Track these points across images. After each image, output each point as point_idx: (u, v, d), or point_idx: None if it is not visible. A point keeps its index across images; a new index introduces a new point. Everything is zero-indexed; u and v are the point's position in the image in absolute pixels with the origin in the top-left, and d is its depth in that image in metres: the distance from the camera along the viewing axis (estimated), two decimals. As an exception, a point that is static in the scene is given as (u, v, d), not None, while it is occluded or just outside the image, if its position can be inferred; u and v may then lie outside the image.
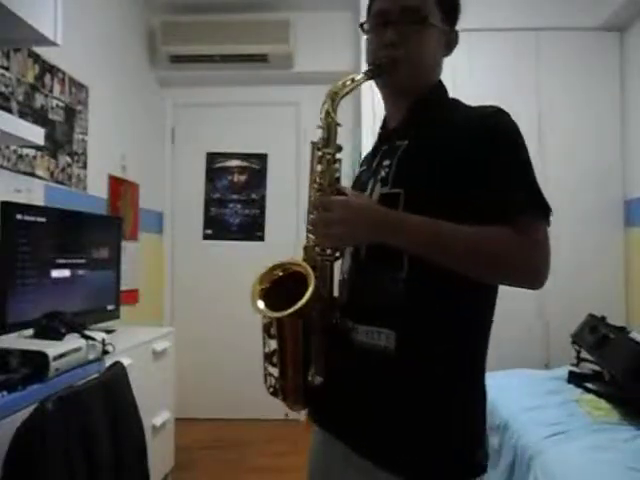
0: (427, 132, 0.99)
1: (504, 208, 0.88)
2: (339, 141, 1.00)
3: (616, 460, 1.62)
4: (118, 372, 1.78)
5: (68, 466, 1.39)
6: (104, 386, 1.65)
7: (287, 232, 3.82)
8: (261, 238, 3.88)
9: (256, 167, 3.91)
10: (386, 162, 1.02)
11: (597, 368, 2.42)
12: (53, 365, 1.51)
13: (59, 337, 1.66)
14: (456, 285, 0.90)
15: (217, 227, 3.92)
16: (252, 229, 3.89)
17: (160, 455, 2.51)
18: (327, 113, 0.98)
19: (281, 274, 1.01)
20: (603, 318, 2.54)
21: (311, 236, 0.99)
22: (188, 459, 2.97)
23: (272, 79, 3.78)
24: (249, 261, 3.91)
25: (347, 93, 0.99)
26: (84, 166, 2.69)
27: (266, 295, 0.99)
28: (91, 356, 1.74)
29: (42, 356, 1.49)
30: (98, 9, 2.88)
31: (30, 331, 1.74)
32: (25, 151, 2.19)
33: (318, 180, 0.98)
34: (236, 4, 3.50)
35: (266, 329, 1.00)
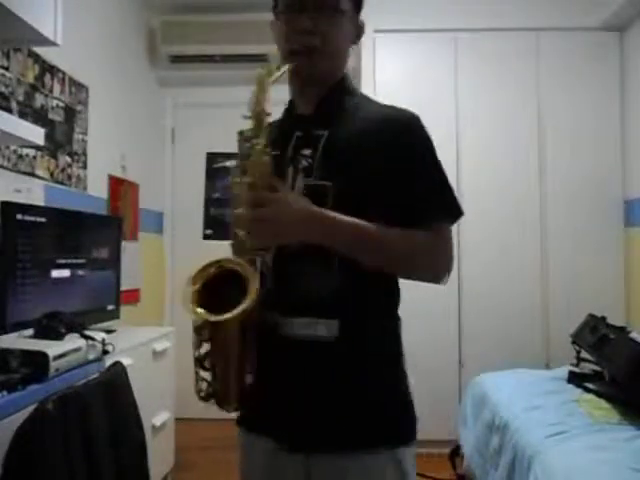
0: (348, 123, 1.00)
1: (423, 212, 0.97)
2: None
3: (616, 460, 1.62)
4: (118, 372, 1.78)
5: (68, 466, 1.39)
6: (104, 386, 1.65)
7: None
8: (261, 238, 3.87)
9: (256, 167, 3.91)
10: (306, 151, 1.00)
11: (597, 368, 2.42)
12: (53, 365, 1.51)
13: (59, 337, 1.66)
14: (380, 278, 0.99)
15: (217, 227, 3.92)
16: (252, 229, 3.89)
17: (160, 455, 2.51)
18: (256, 102, 0.95)
19: (215, 272, 0.95)
20: (603, 318, 2.54)
21: (240, 232, 0.94)
22: (188, 459, 2.97)
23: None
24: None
25: (274, 81, 0.96)
26: (84, 166, 2.69)
27: (201, 296, 0.92)
28: (91, 356, 1.74)
29: (42, 356, 1.49)
30: (98, 9, 2.88)
31: (30, 331, 1.74)
32: (25, 151, 2.19)
33: (248, 172, 0.93)
34: (236, 4, 3.50)
35: (198, 331, 0.93)
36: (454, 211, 1.01)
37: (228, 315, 0.88)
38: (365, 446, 0.94)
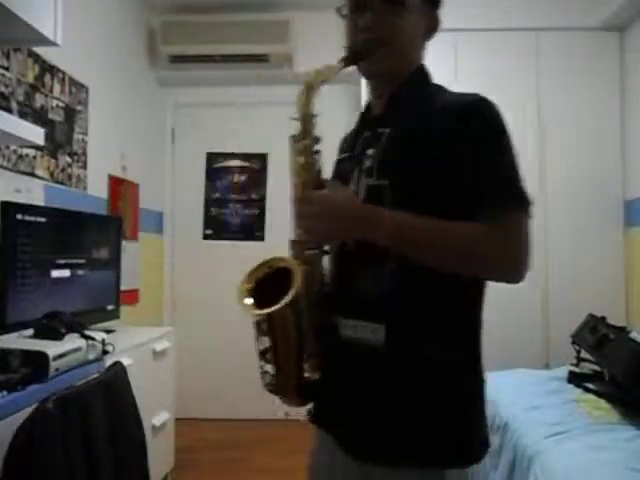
0: (409, 120, 0.97)
1: (483, 203, 0.89)
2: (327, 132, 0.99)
3: (616, 460, 1.62)
4: (118, 372, 1.78)
5: (68, 466, 1.39)
6: (104, 386, 1.65)
7: (287, 232, 3.80)
8: (261, 238, 3.87)
9: (256, 167, 3.91)
10: (370, 151, 0.99)
11: (597, 368, 2.42)
12: (53, 365, 1.51)
13: (59, 337, 1.66)
14: (443, 278, 0.90)
15: (217, 227, 3.92)
16: (252, 229, 3.89)
17: (160, 455, 2.51)
18: (303, 105, 0.96)
19: (268, 271, 1.00)
20: (603, 318, 2.54)
21: (297, 230, 0.97)
22: (188, 459, 2.97)
23: (272, 79, 3.77)
24: (249, 261, 3.91)
25: (323, 83, 0.96)
26: (84, 166, 2.69)
27: (255, 293, 0.97)
28: (91, 356, 1.74)
29: (42, 356, 1.49)
30: (98, 9, 2.88)
31: (30, 331, 1.74)
32: (25, 151, 2.19)
33: (300, 173, 0.96)
34: (236, 4, 3.50)
35: (257, 326, 0.99)
36: (518, 200, 0.90)
37: (270, 309, 0.92)
38: (413, 462, 0.90)
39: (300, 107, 0.96)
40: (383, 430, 0.92)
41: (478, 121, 0.92)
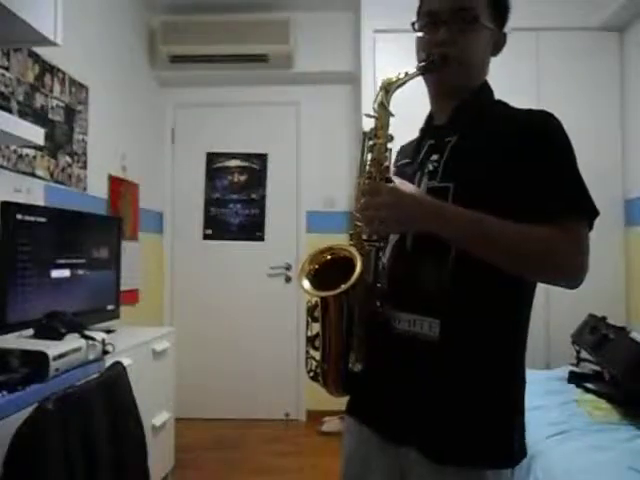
0: (476, 129, 1.01)
1: (551, 208, 0.91)
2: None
3: (616, 460, 1.62)
4: (118, 372, 1.78)
5: (68, 466, 1.39)
6: (104, 386, 1.65)
7: (287, 232, 3.82)
8: (261, 238, 3.88)
9: (256, 167, 3.91)
10: (434, 157, 1.03)
11: (597, 368, 2.42)
12: (53, 365, 1.51)
13: (59, 337, 1.66)
14: (500, 278, 0.92)
15: (217, 227, 3.92)
16: (252, 229, 3.89)
17: (160, 455, 2.51)
18: (381, 104, 1.00)
19: (329, 257, 1.03)
20: (603, 318, 2.54)
21: (359, 223, 0.99)
22: (188, 459, 2.97)
23: (272, 79, 3.77)
24: (249, 261, 3.93)
25: (400, 85, 1.01)
26: (84, 166, 2.69)
27: (314, 276, 1.01)
28: (91, 356, 1.74)
29: (42, 356, 1.49)
30: (98, 9, 2.88)
31: (30, 331, 1.74)
32: (25, 151, 2.19)
33: (368, 168, 0.99)
34: (236, 4, 3.50)
35: (310, 312, 1.02)
36: (583, 207, 0.93)
37: (326, 293, 0.96)
38: (457, 462, 0.92)
39: (378, 106, 1.00)
40: (429, 425, 0.95)
41: (543, 134, 0.95)
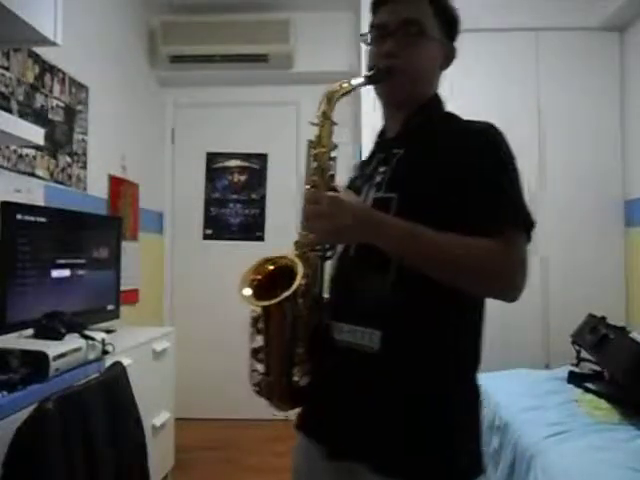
0: (422, 141, 1.02)
1: (489, 221, 0.90)
2: (339, 140, 1.03)
3: (616, 460, 1.62)
4: (118, 372, 1.78)
5: (68, 466, 1.39)
6: (104, 386, 1.65)
7: (287, 232, 3.78)
8: (261, 238, 3.87)
9: (256, 167, 3.91)
10: (382, 169, 1.04)
11: (597, 368, 2.42)
12: (53, 365, 1.51)
13: (59, 337, 1.66)
14: (443, 289, 0.90)
15: (217, 227, 3.92)
16: (252, 229, 3.89)
17: (160, 455, 2.51)
18: (324, 113, 1.00)
19: (271, 268, 1.01)
20: (603, 318, 2.54)
21: (303, 232, 1.00)
22: (188, 459, 2.97)
23: (272, 79, 3.77)
24: (249, 261, 3.91)
25: (344, 95, 1.01)
26: (84, 166, 2.69)
27: (256, 287, 0.98)
28: (91, 356, 1.74)
29: (42, 356, 1.49)
30: (98, 9, 2.88)
31: (30, 331, 1.74)
32: (25, 151, 2.19)
33: (313, 177, 0.99)
34: (236, 4, 3.50)
35: (254, 323, 1.01)
36: (520, 219, 0.92)
37: (269, 301, 0.93)
38: (404, 476, 0.90)
39: (321, 115, 1.00)
40: (372, 439, 0.93)
41: (488, 148, 0.95)
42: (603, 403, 2.09)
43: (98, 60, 2.87)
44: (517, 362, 2.77)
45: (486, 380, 2.53)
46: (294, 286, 0.93)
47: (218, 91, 3.87)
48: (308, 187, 0.99)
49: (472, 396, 0.99)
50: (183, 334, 3.17)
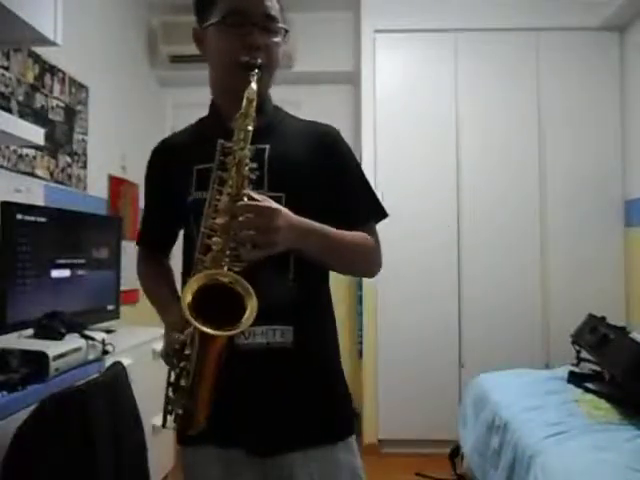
0: (284, 138, 1.07)
1: (360, 215, 1.09)
2: None
3: (616, 460, 1.62)
4: (118, 372, 1.78)
5: (68, 466, 1.39)
6: (104, 386, 1.65)
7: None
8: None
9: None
10: (253, 164, 0.93)
11: (597, 368, 2.42)
12: (53, 365, 1.51)
13: (59, 337, 1.67)
14: (324, 273, 1.10)
15: (217, 227, 3.91)
16: (252, 229, 3.89)
17: (160, 455, 2.51)
18: (243, 115, 0.93)
19: (203, 286, 0.88)
20: (603, 318, 2.54)
21: (215, 244, 0.89)
22: (188, 459, 2.96)
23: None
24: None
25: (258, 96, 0.96)
26: (84, 166, 2.69)
27: (194, 309, 0.85)
28: (91, 356, 1.74)
29: (42, 356, 1.49)
30: (98, 9, 2.88)
31: (30, 331, 1.74)
32: (25, 151, 2.19)
33: (230, 183, 0.90)
34: (236, 4, 3.49)
35: (179, 351, 0.97)
36: (380, 211, 1.12)
37: (234, 330, 0.84)
38: (313, 443, 1.02)
39: (240, 118, 0.93)
40: (301, 424, 1.02)
41: (343, 149, 1.11)
42: (603, 403, 2.09)
43: (98, 60, 2.87)
44: (517, 362, 2.77)
45: (486, 380, 2.55)
46: (250, 314, 0.85)
47: (218, 91, 3.86)
48: (226, 194, 0.90)
49: (341, 367, 1.14)
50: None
